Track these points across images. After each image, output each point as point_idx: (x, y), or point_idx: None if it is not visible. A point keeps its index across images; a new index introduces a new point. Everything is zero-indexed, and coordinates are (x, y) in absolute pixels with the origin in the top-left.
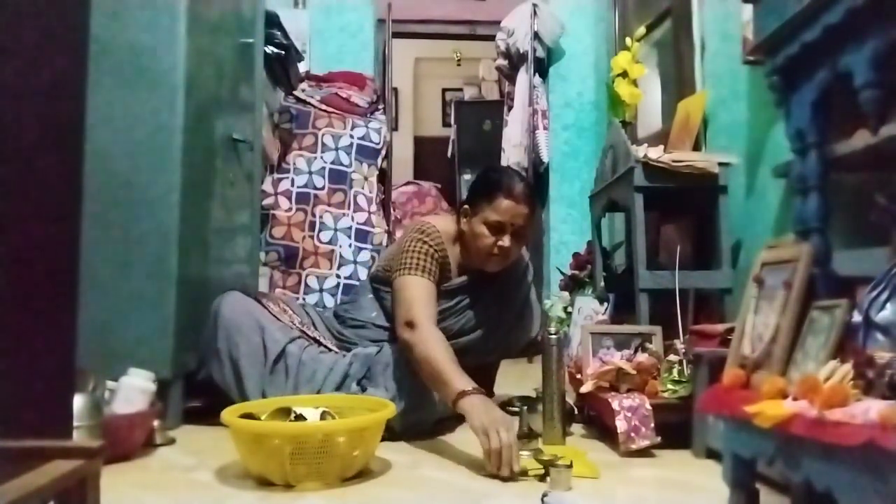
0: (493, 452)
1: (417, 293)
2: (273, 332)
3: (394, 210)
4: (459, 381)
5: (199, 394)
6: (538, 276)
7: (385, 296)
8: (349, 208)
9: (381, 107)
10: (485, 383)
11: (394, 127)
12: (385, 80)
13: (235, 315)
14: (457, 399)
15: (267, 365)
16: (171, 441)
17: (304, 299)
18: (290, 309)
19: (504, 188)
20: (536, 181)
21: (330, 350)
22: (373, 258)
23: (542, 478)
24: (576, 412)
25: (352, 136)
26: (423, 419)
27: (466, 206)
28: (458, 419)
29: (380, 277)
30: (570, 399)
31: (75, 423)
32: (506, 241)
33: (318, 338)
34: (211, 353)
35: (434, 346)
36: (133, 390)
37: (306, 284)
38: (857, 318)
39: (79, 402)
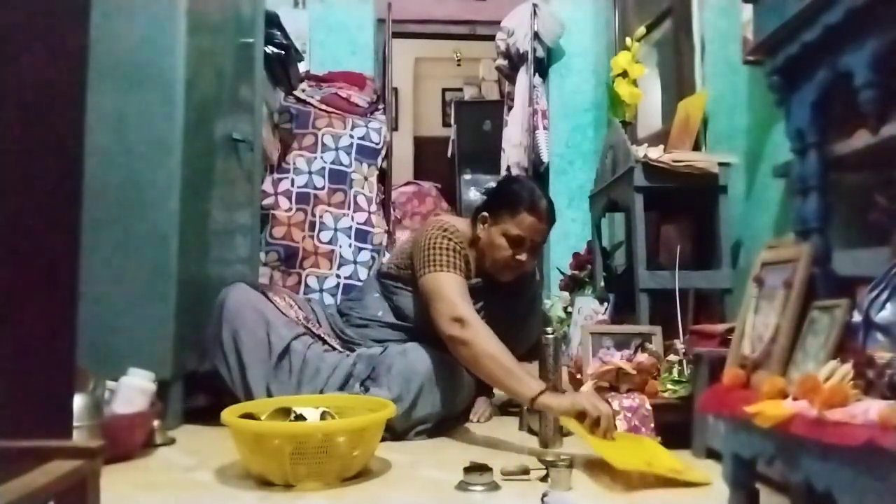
0: (602, 418)
1: (456, 289)
2: (278, 328)
3: (394, 210)
4: (533, 381)
5: (200, 391)
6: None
7: (396, 292)
8: (349, 208)
9: (381, 107)
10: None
11: (394, 127)
12: (385, 80)
13: (241, 308)
14: (536, 397)
15: (271, 360)
16: (171, 441)
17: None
18: (295, 304)
19: (528, 204)
20: (536, 181)
21: (334, 349)
22: (373, 258)
23: (542, 478)
24: None
25: (352, 136)
26: (424, 419)
27: (485, 214)
28: (458, 419)
29: (392, 275)
30: None
31: (75, 423)
32: (523, 255)
33: (322, 335)
34: (216, 346)
35: (492, 343)
36: (133, 390)
37: (306, 284)
38: (857, 318)
39: (79, 402)
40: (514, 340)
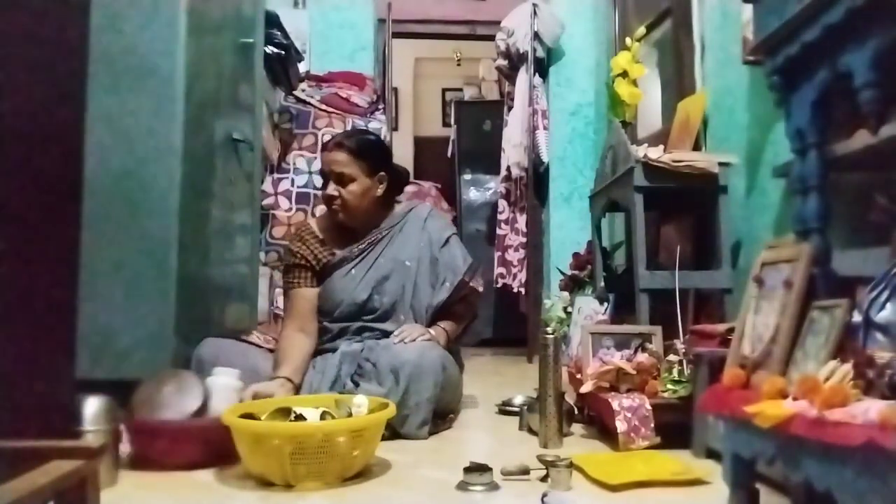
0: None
1: (289, 309)
2: (258, 358)
3: None
4: (282, 370)
5: None
6: (538, 275)
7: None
8: None
9: (381, 107)
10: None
11: (394, 127)
12: (385, 80)
13: (220, 354)
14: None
15: None
16: None
17: None
18: (265, 334)
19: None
20: (536, 181)
21: (315, 356)
22: None
23: (542, 478)
24: (576, 412)
25: None
26: (418, 407)
27: None
28: (454, 413)
29: None
30: (571, 399)
31: (90, 427)
32: (329, 188)
33: None
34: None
35: (281, 342)
36: (228, 390)
37: None
38: (857, 318)
39: (95, 405)
40: (432, 276)
